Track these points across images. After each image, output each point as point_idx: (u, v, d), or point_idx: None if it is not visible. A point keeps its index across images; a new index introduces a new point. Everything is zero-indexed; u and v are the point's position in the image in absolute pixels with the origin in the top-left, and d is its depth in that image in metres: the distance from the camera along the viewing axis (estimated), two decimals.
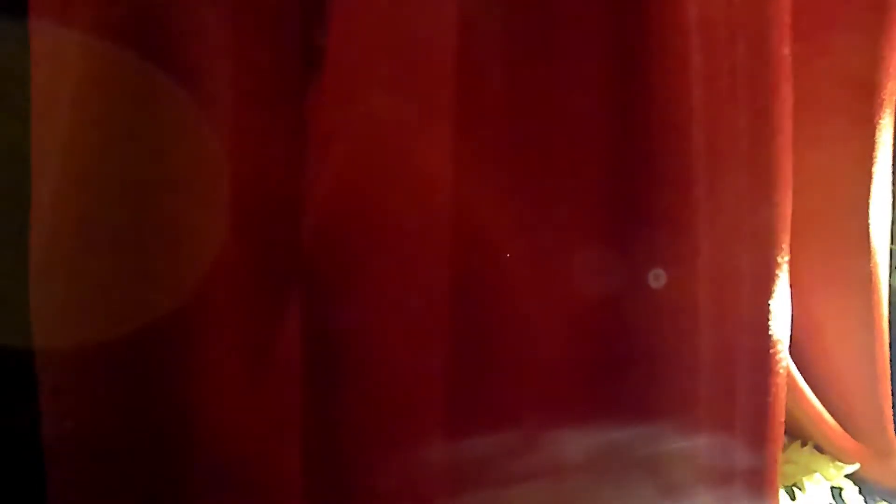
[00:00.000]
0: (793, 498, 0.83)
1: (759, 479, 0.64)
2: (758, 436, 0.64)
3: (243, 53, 0.61)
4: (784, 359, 0.64)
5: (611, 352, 0.62)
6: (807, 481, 0.85)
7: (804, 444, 0.90)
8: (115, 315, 0.64)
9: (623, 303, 0.61)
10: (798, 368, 0.89)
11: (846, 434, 0.89)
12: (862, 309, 0.85)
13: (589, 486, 0.62)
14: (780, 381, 0.64)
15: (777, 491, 0.65)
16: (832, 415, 0.90)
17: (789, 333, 0.65)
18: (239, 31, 0.61)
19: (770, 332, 0.63)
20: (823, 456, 0.89)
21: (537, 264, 0.60)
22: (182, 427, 0.63)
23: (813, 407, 0.89)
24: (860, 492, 0.87)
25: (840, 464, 0.88)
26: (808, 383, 0.89)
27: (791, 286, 0.87)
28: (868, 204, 0.81)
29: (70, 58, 0.62)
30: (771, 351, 0.63)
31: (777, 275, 0.63)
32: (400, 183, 0.60)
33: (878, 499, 0.88)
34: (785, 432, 0.91)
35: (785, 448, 0.91)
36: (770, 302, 0.62)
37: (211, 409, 0.62)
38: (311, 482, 0.63)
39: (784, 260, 0.63)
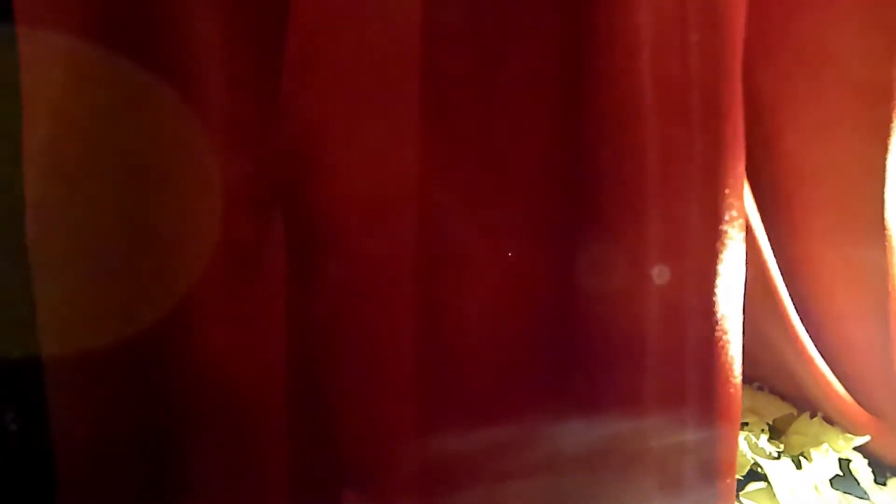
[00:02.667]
0: (799, 467, 0.82)
1: (713, 458, 0.64)
2: (709, 415, 0.63)
3: (226, 45, 0.63)
4: (732, 340, 0.64)
5: (560, 340, 0.63)
6: (814, 451, 0.83)
7: (813, 416, 0.89)
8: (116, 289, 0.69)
9: (570, 290, 0.62)
10: (811, 338, 0.87)
11: (858, 406, 0.88)
12: (877, 284, 0.85)
13: (544, 472, 0.64)
14: (729, 361, 0.63)
15: (734, 470, 0.65)
16: (844, 387, 0.88)
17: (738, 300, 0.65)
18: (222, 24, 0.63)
19: (716, 312, 0.63)
20: (833, 427, 0.88)
21: (489, 247, 0.63)
22: (175, 351, 0.66)
23: (824, 378, 0.87)
24: (869, 465, 0.85)
25: (850, 436, 0.86)
26: (820, 354, 0.88)
27: (810, 266, 0.88)
28: (883, 193, 0.82)
29: (54, 59, 0.64)
30: (717, 330, 0.63)
31: (722, 256, 0.62)
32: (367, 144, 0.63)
33: (888, 473, 0.86)
34: (794, 404, 0.91)
35: (793, 419, 0.89)
36: (717, 281, 0.62)
37: (200, 327, 0.66)
38: (295, 400, 0.66)
39: (733, 238, 0.62)
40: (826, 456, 0.84)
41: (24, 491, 0.78)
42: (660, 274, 0.62)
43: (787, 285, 0.88)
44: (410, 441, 0.63)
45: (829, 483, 0.82)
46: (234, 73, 0.65)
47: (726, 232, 0.62)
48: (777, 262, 0.87)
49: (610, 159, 0.60)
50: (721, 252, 0.62)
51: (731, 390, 0.65)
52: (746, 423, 0.87)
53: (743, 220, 0.62)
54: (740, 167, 0.63)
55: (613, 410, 0.63)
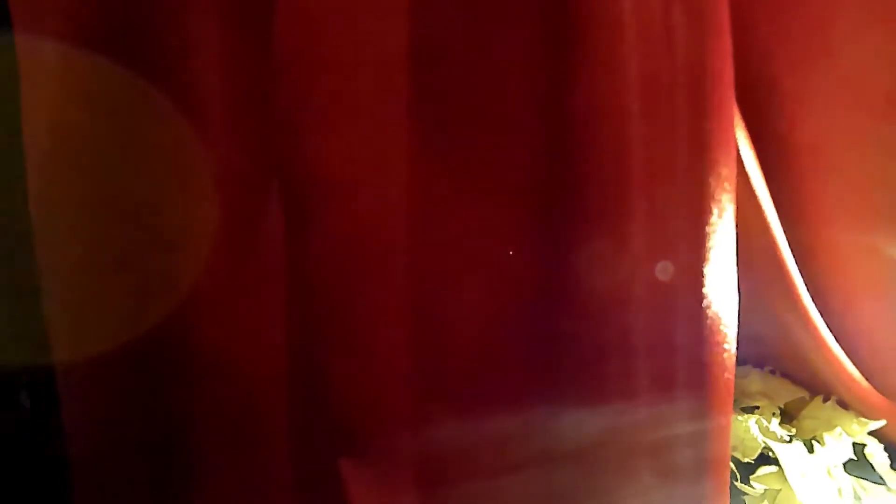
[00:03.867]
0: (811, 451, 0.79)
1: (705, 452, 0.63)
2: (701, 408, 0.63)
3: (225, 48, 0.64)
4: (725, 333, 0.64)
5: (552, 333, 0.63)
6: (827, 435, 0.81)
7: (826, 400, 0.86)
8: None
9: (560, 286, 0.62)
10: (824, 321, 0.85)
11: (873, 390, 0.85)
12: (893, 266, 0.84)
13: (540, 464, 0.64)
14: (722, 354, 0.62)
15: (727, 466, 0.64)
16: (859, 370, 0.86)
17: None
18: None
19: (707, 306, 0.63)
20: (847, 412, 0.85)
21: (475, 266, 0.63)
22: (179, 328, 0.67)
23: (838, 361, 0.85)
24: (885, 450, 0.83)
25: (864, 420, 0.84)
26: (834, 336, 0.86)
27: (824, 248, 0.87)
28: None
29: (51, 66, 0.65)
30: (709, 322, 0.63)
31: (710, 247, 0.62)
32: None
33: None
34: (806, 388, 0.89)
35: (806, 403, 0.87)
36: (706, 273, 0.62)
37: (204, 311, 0.67)
38: (295, 373, 0.66)
39: (721, 229, 0.62)
40: (840, 440, 0.82)
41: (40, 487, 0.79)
42: (648, 267, 0.62)
43: (799, 267, 0.86)
44: (406, 411, 0.63)
45: (842, 467, 0.80)
46: (229, 57, 0.65)
47: (714, 222, 0.62)
48: (790, 244, 0.85)
49: (596, 152, 0.60)
50: (709, 243, 0.62)
51: (725, 384, 0.64)
52: (757, 407, 0.85)
53: (732, 210, 0.62)
54: (730, 158, 0.62)
55: (602, 403, 0.63)
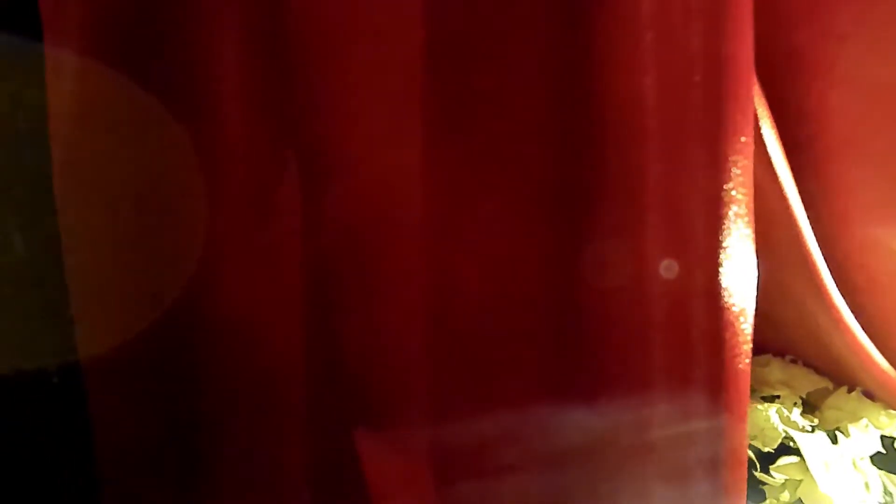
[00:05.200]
0: (835, 442, 0.76)
1: (720, 450, 0.61)
2: (716, 406, 0.60)
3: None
4: (746, 328, 0.62)
5: (564, 328, 0.62)
6: (852, 427, 0.77)
7: (851, 390, 0.83)
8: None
9: (574, 281, 0.61)
10: (849, 307, 0.81)
11: None
12: None
13: (550, 461, 0.62)
14: (739, 351, 0.60)
15: (744, 464, 0.61)
16: (887, 359, 0.82)
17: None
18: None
19: (723, 302, 0.61)
20: (873, 403, 0.82)
21: (490, 242, 0.62)
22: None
23: (864, 349, 0.81)
24: None
25: (893, 412, 0.80)
26: (861, 326, 0.82)
27: (848, 232, 0.84)
28: None
29: (72, 73, 0.68)
30: (724, 321, 0.61)
31: (725, 239, 0.60)
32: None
33: None
34: (830, 378, 0.85)
35: (829, 394, 0.84)
36: (721, 266, 0.60)
37: (223, 281, 0.68)
38: (311, 340, 0.67)
39: (738, 224, 0.60)
40: (866, 432, 0.78)
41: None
42: (663, 261, 0.60)
43: (823, 253, 0.82)
44: (422, 382, 0.62)
45: (869, 461, 0.76)
46: (246, 27, 0.65)
47: (732, 215, 0.61)
48: (814, 228, 0.82)
49: (610, 144, 0.59)
50: (725, 236, 0.60)
51: (742, 380, 0.62)
52: (777, 397, 0.81)
53: (749, 203, 0.60)
54: (748, 148, 0.61)
55: (614, 399, 0.61)
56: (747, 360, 0.61)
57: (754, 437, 0.77)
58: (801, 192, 0.81)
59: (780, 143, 0.80)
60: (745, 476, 0.62)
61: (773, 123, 0.79)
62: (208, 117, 0.67)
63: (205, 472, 0.76)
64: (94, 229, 0.74)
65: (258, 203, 0.68)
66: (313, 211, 0.66)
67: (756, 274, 0.63)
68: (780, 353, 0.88)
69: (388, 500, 0.63)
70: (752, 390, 0.84)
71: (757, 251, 0.88)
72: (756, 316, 0.92)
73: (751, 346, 0.63)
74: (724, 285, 0.61)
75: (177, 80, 0.67)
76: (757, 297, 0.91)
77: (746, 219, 0.61)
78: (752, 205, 0.61)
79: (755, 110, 0.61)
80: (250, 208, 0.68)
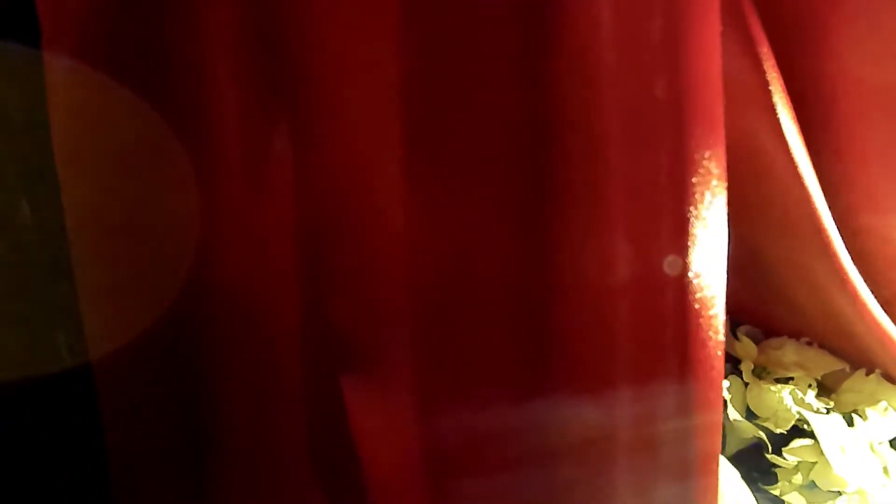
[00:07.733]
0: (850, 424, 0.73)
1: (693, 450, 0.59)
2: (687, 400, 0.58)
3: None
4: (716, 317, 0.58)
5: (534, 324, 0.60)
6: (870, 410, 0.74)
7: (869, 373, 0.79)
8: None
9: (542, 275, 0.60)
10: (866, 283, 0.78)
11: None
12: None
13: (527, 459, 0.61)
14: (710, 347, 0.57)
15: (716, 463, 0.59)
16: None
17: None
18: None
19: (694, 300, 0.57)
20: (893, 386, 0.78)
21: (464, 227, 0.61)
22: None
23: (882, 328, 0.78)
24: None
25: None
26: (881, 304, 0.79)
27: (866, 204, 0.81)
28: None
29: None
30: (697, 307, 0.57)
31: (693, 239, 0.57)
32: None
33: None
34: (847, 360, 0.82)
35: (846, 376, 0.80)
36: (690, 266, 0.57)
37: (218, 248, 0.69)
38: (304, 294, 0.67)
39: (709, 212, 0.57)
40: (885, 415, 0.75)
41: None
42: (630, 261, 0.58)
43: (839, 229, 0.79)
44: (406, 330, 0.62)
45: (888, 444, 0.73)
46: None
47: (700, 216, 0.58)
48: (829, 201, 0.79)
49: (577, 139, 0.58)
50: (694, 237, 0.57)
51: (715, 377, 0.59)
52: (791, 378, 0.78)
53: (723, 188, 0.57)
54: (718, 156, 0.58)
55: (583, 395, 0.60)
56: (720, 353, 0.59)
57: (766, 419, 0.74)
58: (814, 164, 0.78)
59: (793, 112, 0.78)
60: (718, 470, 0.60)
61: (786, 92, 0.77)
62: (204, 103, 0.67)
63: (210, 451, 0.77)
64: (99, 220, 0.74)
65: (252, 179, 0.68)
66: (303, 185, 0.66)
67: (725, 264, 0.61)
68: (794, 335, 0.84)
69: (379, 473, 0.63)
70: (767, 372, 0.81)
71: (775, 234, 0.86)
72: (772, 299, 0.90)
73: (724, 349, 0.60)
74: (693, 276, 0.58)
75: (172, 66, 0.67)
76: (774, 280, 0.89)
77: (720, 224, 0.58)
78: (724, 192, 0.58)
79: (722, 103, 0.59)
80: (245, 185, 0.68)
